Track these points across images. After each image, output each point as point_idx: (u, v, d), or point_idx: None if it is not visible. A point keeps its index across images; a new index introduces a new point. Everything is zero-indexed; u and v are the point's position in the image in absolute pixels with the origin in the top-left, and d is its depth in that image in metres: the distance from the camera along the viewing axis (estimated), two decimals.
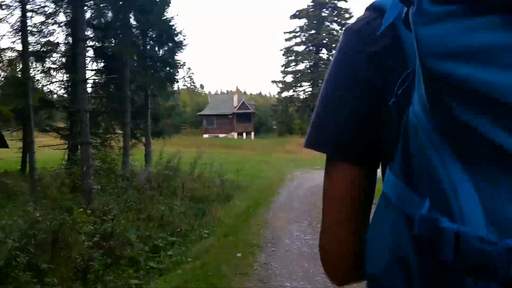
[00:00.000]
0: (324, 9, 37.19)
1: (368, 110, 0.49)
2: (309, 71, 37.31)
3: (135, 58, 9.98)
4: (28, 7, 9.94)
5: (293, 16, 37.96)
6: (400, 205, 0.41)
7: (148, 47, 10.11)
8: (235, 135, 42.09)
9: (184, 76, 79.72)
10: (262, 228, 5.20)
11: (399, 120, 0.42)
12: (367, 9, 0.54)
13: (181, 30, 9.76)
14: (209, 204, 6.88)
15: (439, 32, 0.32)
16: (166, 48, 9.92)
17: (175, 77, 10.30)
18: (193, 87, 79.25)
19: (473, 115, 0.32)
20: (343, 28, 0.55)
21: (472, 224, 0.31)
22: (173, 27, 9.58)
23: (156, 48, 9.90)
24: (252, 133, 42.54)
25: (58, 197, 4.60)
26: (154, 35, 9.79)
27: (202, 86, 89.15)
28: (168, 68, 9.94)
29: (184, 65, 10.24)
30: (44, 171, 7.01)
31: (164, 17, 9.53)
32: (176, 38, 9.75)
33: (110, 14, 10.18)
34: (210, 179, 9.79)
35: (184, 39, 10.34)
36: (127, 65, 10.02)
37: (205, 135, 41.48)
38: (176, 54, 10.01)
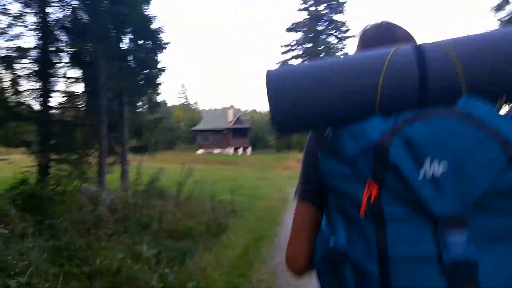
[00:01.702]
0: (320, 22, 36.02)
1: (319, 181, 0.81)
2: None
3: (109, 60, 8.31)
4: None
5: (289, 29, 36.75)
6: (324, 231, 0.78)
7: (122, 46, 8.45)
8: (230, 150, 40.32)
9: (178, 92, 78.11)
10: None
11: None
12: None
13: (160, 26, 8.08)
14: (195, 241, 5.09)
15: (327, 166, 0.73)
16: (144, 46, 8.25)
17: (156, 81, 8.59)
18: (187, 103, 77.77)
19: (341, 200, 0.72)
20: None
21: (340, 241, 0.71)
22: (151, 22, 7.92)
23: (133, 47, 8.23)
24: (249, 149, 40.80)
25: None
26: (128, 30, 8.13)
27: (196, 103, 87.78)
28: (147, 71, 8.26)
29: (165, 69, 8.42)
30: None
31: (142, 11, 7.92)
32: (154, 35, 8.10)
33: (81, 13, 8.63)
34: (199, 202, 7.97)
35: (167, 43, 8.71)
36: (101, 69, 8.37)
37: (200, 151, 39.68)
38: (156, 54, 8.34)
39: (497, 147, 0.60)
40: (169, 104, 76.47)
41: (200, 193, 8.74)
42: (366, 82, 0.68)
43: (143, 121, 11.22)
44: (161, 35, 8.53)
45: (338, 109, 0.70)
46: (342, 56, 0.74)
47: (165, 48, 8.88)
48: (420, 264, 0.61)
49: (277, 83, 0.72)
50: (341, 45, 36.31)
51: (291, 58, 36.79)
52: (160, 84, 9.45)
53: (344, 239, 0.69)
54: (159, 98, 11.11)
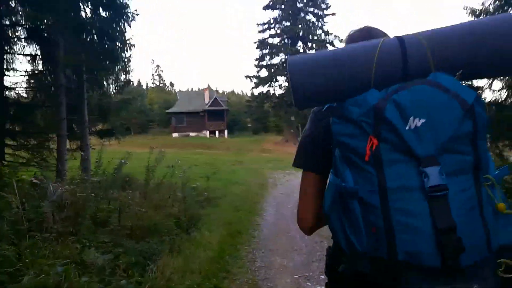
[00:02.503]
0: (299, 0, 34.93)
1: (322, 147, 1.06)
2: (285, 64, 34.78)
3: (68, 32, 7.28)
4: None
5: (267, 7, 35.50)
6: (332, 181, 0.94)
7: (82, 14, 7.43)
8: (207, 133, 39.34)
9: (153, 74, 75.38)
10: None
11: (334, 152, 0.98)
12: None
13: None
14: (161, 239, 4.36)
15: (337, 127, 0.92)
16: (105, 16, 7.25)
17: (119, 54, 7.63)
18: (162, 85, 75.52)
19: (348, 153, 0.89)
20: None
21: (348, 183, 0.88)
22: None
23: (91, 15, 7.22)
24: (225, 132, 39.92)
25: None
26: None
27: (172, 84, 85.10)
28: (107, 42, 7.30)
29: (131, 41, 7.39)
30: None
31: None
32: (118, 3, 7.11)
33: None
34: (170, 190, 7.18)
35: (134, 12, 7.72)
36: (60, 43, 7.35)
37: (175, 134, 38.51)
38: (119, 24, 7.36)
39: (457, 105, 0.84)
40: (144, 85, 74.05)
41: (172, 180, 7.95)
42: (363, 66, 0.93)
43: (110, 102, 10.23)
44: (128, 3, 7.57)
45: (343, 87, 0.95)
46: (344, 46, 1.04)
47: (132, 18, 7.90)
48: (409, 191, 0.83)
49: (297, 67, 0.96)
50: (321, 23, 35.42)
51: (268, 37, 35.72)
52: (127, 59, 8.50)
53: (352, 182, 0.89)
54: (131, 78, 10.14)
